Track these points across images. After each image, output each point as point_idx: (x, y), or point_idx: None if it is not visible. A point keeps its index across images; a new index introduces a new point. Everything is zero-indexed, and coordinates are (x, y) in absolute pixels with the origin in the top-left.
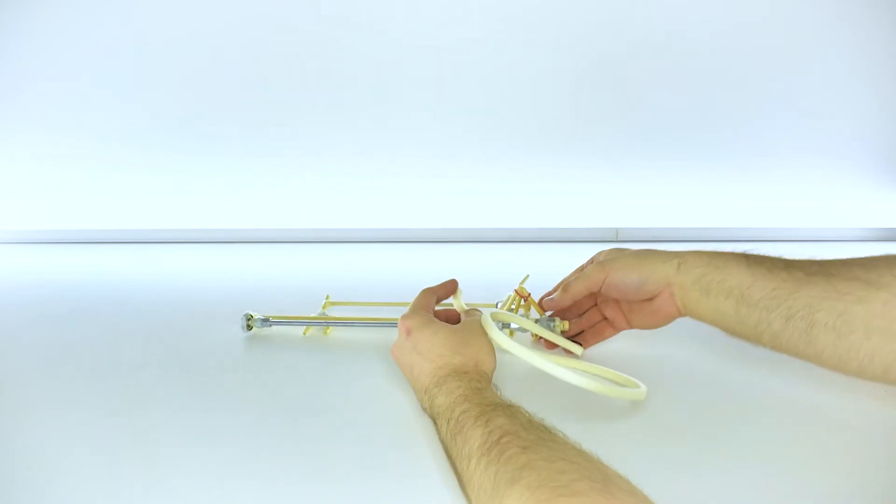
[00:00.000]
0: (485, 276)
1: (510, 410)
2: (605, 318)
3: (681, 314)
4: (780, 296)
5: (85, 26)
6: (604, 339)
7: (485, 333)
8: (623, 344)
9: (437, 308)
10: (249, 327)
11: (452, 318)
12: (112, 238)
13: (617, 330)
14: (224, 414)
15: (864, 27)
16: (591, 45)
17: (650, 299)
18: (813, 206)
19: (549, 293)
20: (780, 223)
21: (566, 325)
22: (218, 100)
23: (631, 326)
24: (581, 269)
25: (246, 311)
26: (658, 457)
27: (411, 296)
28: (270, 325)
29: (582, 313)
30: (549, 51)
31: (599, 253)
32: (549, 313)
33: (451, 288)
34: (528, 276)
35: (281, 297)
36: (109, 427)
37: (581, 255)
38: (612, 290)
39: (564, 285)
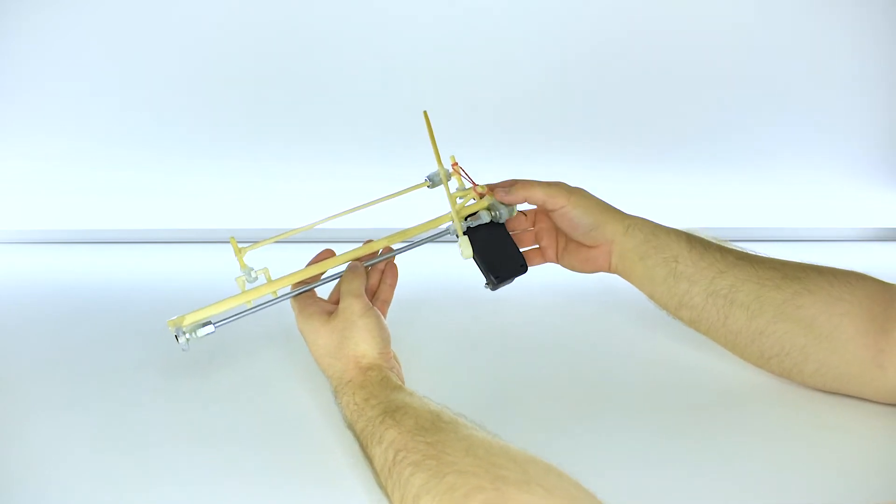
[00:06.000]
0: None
1: (397, 416)
2: (538, 246)
3: (610, 271)
4: (708, 274)
5: (85, 26)
6: (531, 265)
7: (361, 316)
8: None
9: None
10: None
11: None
12: (112, 238)
13: (545, 260)
14: (226, 413)
15: (863, 26)
16: (591, 42)
17: (588, 246)
18: (812, 206)
19: (503, 185)
20: (779, 223)
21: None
22: (220, 99)
23: (558, 262)
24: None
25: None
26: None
27: (414, 301)
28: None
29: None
30: (545, 49)
31: (561, 183)
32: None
33: (315, 273)
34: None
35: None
36: (109, 427)
37: None
38: (563, 219)
39: (522, 182)
